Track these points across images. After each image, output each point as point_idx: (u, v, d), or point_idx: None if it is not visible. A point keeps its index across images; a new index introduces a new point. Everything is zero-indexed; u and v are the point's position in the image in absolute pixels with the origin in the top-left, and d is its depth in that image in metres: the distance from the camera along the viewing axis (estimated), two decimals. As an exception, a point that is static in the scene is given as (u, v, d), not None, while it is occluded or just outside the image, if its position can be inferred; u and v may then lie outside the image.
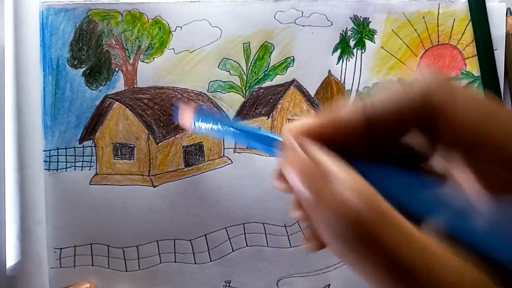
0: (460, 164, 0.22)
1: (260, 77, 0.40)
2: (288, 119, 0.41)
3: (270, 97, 0.40)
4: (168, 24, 0.39)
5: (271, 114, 0.40)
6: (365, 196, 0.20)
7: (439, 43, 0.41)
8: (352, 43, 0.41)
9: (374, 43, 0.41)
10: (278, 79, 0.40)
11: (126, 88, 0.39)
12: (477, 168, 0.22)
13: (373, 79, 0.41)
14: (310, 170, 0.22)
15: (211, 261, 0.40)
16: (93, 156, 0.39)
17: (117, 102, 0.39)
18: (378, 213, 0.20)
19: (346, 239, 0.20)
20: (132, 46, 0.39)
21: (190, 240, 0.40)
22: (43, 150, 0.38)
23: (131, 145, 0.39)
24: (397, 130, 0.24)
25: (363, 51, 0.41)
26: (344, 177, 0.21)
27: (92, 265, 0.39)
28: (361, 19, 0.41)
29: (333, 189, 0.21)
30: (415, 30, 0.41)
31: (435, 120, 0.23)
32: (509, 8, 0.41)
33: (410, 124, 0.23)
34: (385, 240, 0.20)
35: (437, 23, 0.41)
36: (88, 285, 0.38)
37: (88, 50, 0.39)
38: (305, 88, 0.41)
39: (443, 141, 0.23)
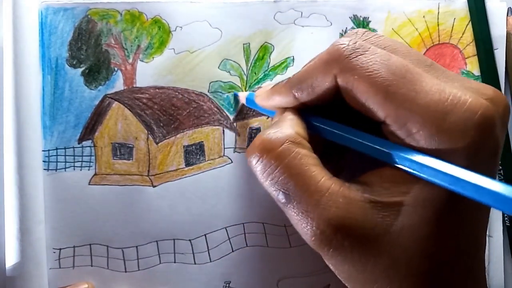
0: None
1: (260, 77, 0.40)
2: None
3: (270, 96, 0.40)
4: (168, 24, 0.39)
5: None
6: (280, 131, 0.27)
7: (440, 42, 0.41)
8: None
9: (375, 42, 0.41)
10: (278, 79, 0.40)
11: (125, 87, 0.39)
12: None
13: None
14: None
15: (211, 261, 0.40)
16: (92, 156, 0.39)
17: (116, 102, 0.39)
18: (281, 140, 0.26)
19: (257, 154, 0.27)
20: (132, 46, 0.39)
21: (190, 240, 0.39)
22: (42, 150, 0.38)
23: (130, 145, 0.39)
24: (326, 99, 0.28)
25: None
26: (281, 128, 0.27)
27: (92, 266, 0.39)
28: (361, 18, 0.41)
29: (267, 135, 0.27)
30: (416, 29, 0.41)
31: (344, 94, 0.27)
32: (510, 7, 0.41)
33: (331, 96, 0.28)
34: (280, 160, 0.26)
35: (438, 22, 0.41)
36: (86, 285, 0.38)
37: (87, 50, 0.38)
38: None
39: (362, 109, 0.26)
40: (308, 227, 0.25)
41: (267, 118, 0.40)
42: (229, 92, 0.40)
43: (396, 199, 0.25)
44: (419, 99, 0.24)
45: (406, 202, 0.24)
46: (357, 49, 0.26)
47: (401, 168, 0.25)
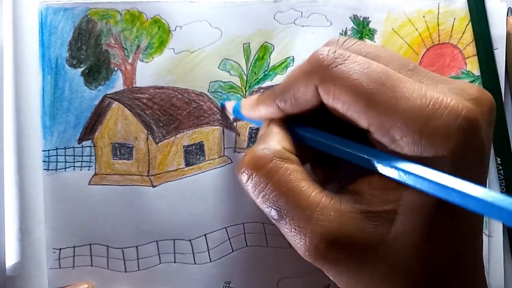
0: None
1: (260, 77, 0.40)
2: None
3: (270, 96, 0.40)
4: (168, 24, 0.39)
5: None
6: (268, 148, 0.27)
7: (440, 42, 0.41)
8: (352, 42, 0.41)
9: (375, 42, 0.41)
10: (278, 79, 0.40)
11: (125, 87, 0.39)
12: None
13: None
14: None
15: (211, 261, 0.40)
16: (92, 156, 0.39)
17: (116, 102, 0.39)
18: (270, 157, 0.26)
19: (247, 171, 0.27)
20: (131, 46, 0.39)
21: (190, 240, 0.39)
22: (42, 150, 0.38)
23: (130, 145, 0.39)
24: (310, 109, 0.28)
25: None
26: (269, 144, 0.27)
27: (92, 266, 0.39)
28: (361, 18, 0.41)
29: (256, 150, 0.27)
30: (416, 29, 0.41)
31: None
32: (510, 7, 0.41)
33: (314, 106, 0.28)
34: (269, 177, 0.26)
35: (438, 22, 0.41)
36: (86, 285, 0.38)
37: (87, 50, 0.38)
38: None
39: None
40: (302, 242, 0.25)
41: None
42: (229, 92, 0.40)
43: (387, 207, 0.25)
44: (400, 105, 0.24)
45: (398, 210, 0.24)
46: (337, 58, 0.26)
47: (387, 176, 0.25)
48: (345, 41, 0.28)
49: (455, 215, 0.25)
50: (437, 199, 0.24)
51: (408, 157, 0.24)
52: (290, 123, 0.30)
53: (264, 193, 0.26)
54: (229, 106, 0.38)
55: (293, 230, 0.25)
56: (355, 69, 0.25)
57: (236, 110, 0.36)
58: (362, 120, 0.25)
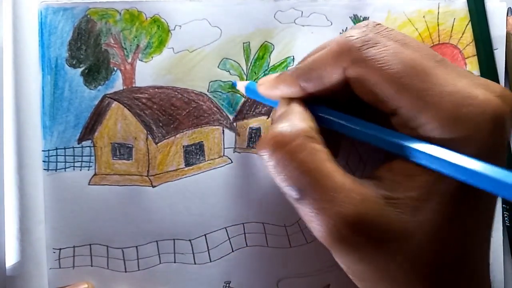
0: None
1: (260, 76, 0.40)
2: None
3: (270, 96, 0.40)
4: (167, 23, 0.39)
5: (271, 114, 0.40)
6: (292, 125, 0.27)
7: (440, 42, 0.41)
8: (352, 42, 0.41)
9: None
10: (278, 79, 0.40)
11: (124, 87, 0.39)
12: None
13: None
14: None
15: (211, 261, 0.40)
16: (92, 156, 0.39)
17: (115, 102, 0.39)
18: (295, 135, 0.26)
19: (269, 148, 0.26)
20: (131, 45, 0.39)
21: (190, 240, 0.39)
22: (42, 150, 0.38)
23: (129, 145, 0.39)
24: (335, 92, 0.28)
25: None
26: (293, 122, 0.27)
27: (91, 266, 0.39)
28: (361, 18, 0.41)
29: (277, 122, 0.28)
30: (416, 29, 0.41)
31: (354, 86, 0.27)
32: (510, 7, 0.41)
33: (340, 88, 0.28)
34: (294, 155, 0.25)
35: (438, 22, 0.41)
36: (86, 285, 0.38)
37: (87, 50, 0.38)
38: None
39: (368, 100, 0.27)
40: (323, 224, 0.24)
41: (267, 119, 0.40)
42: (229, 92, 0.40)
43: (411, 194, 0.25)
44: (433, 90, 0.24)
45: (421, 196, 0.24)
46: (368, 41, 0.26)
47: (412, 161, 0.25)
48: (376, 25, 0.28)
49: (473, 208, 0.25)
50: (457, 187, 0.24)
51: (435, 141, 0.24)
52: (310, 104, 0.29)
53: (287, 170, 0.25)
54: (241, 85, 0.38)
55: (314, 210, 0.25)
56: (386, 53, 0.25)
57: (250, 89, 0.36)
58: (392, 102, 0.25)
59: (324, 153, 0.26)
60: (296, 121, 0.27)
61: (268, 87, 0.32)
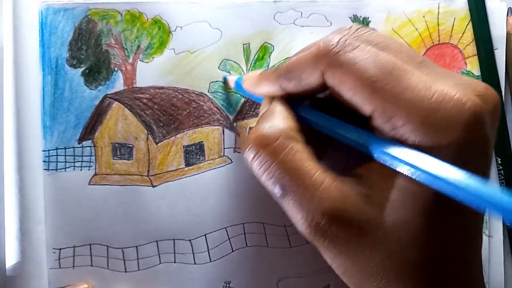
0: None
1: (259, 76, 0.40)
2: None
3: (270, 96, 0.40)
4: (168, 24, 0.39)
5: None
6: (274, 126, 0.27)
7: (440, 42, 0.41)
8: (352, 42, 0.41)
9: (375, 42, 0.41)
10: (278, 79, 0.40)
11: (125, 87, 0.39)
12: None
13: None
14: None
15: (211, 261, 0.40)
16: (92, 156, 0.39)
17: (116, 102, 0.39)
18: (276, 135, 0.27)
19: (253, 148, 0.27)
20: (132, 46, 0.39)
21: (190, 240, 0.39)
22: (42, 150, 0.38)
23: (130, 145, 0.39)
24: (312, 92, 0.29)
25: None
26: (273, 122, 0.28)
27: (92, 266, 0.39)
28: (361, 18, 0.41)
29: (260, 122, 0.29)
30: (416, 29, 0.41)
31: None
32: (510, 7, 0.41)
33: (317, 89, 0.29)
34: (275, 155, 0.26)
35: (438, 22, 0.41)
36: (86, 285, 0.38)
37: (87, 50, 0.38)
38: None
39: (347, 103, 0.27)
40: (303, 219, 0.25)
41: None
42: (229, 92, 0.40)
43: (387, 193, 0.25)
44: (405, 94, 0.24)
45: (395, 197, 0.25)
46: (346, 46, 0.26)
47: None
48: (358, 29, 0.28)
49: (455, 210, 0.25)
50: (435, 192, 0.24)
51: (408, 144, 0.24)
52: (291, 102, 0.30)
53: (269, 170, 0.26)
54: (231, 80, 0.38)
55: (295, 207, 0.26)
56: (363, 58, 0.26)
57: (238, 84, 0.36)
58: (366, 106, 0.26)
59: (304, 152, 0.27)
60: (277, 121, 0.28)
61: (251, 84, 0.33)
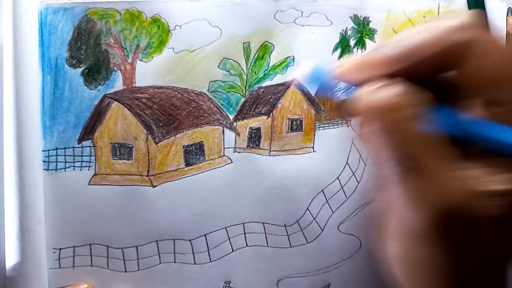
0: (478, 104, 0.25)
1: (260, 76, 0.40)
2: (289, 118, 0.41)
3: (270, 96, 0.40)
4: (167, 23, 0.39)
5: (271, 114, 0.40)
6: (407, 91, 0.24)
7: (440, 43, 0.41)
8: (352, 42, 0.41)
9: (375, 42, 0.41)
10: (278, 79, 0.40)
11: (124, 87, 0.39)
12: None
13: (373, 79, 0.41)
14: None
15: (210, 261, 0.40)
16: (92, 156, 0.39)
17: (115, 102, 0.39)
18: (412, 102, 0.24)
19: (381, 113, 0.24)
20: (131, 45, 0.39)
21: (189, 240, 0.39)
22: (42, 150, 0.38)
23: (129, 145, 0.39)
24: (431, 68, 0.27)
25: (363, 50, 0.41)
26: (406, 95, 0.24)
27: (91, 266, 0.39)
28: (361, 18, 0.41)
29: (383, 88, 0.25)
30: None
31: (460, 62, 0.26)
32: (510, 7, 0.41)
33: (441, 64, 0.26)
34: (408, 123, 0.23)
35: (438, 22, 0.41)
36: (86, 286, 0.38)
37: (87, 50, 0.38)
38: (305, 88, 0.40)
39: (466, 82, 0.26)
40: (424, 204, 0.23)
41: (267, 119, 0.40)
42: (229, 92, 0.40)
43: (507, 187, 0.24)
44: None
45: None
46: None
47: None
48: None
49: None
50: None
51: None
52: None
53: (398, 138, 0.24)
54: (302, 71, 0.31)
55: (420, 189, 0.23)
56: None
57: (316, 77, 0.30)
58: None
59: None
60: (406, 88, 0.25)
61: (356, 69, 0.28)
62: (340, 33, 0.41)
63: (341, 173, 0.41)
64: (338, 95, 0.29)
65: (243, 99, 0.40)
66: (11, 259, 0.37)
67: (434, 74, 0.27)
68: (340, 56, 0.41)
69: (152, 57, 0.39)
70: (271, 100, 0.40)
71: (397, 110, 0.24)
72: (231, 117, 0.40)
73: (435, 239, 0.24)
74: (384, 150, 0.24)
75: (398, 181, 0.24)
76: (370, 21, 0.41)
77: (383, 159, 0.24)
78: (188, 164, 0.40)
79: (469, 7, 0.41)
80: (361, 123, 0.25)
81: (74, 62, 0.38)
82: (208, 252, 0.40)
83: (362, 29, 0.41)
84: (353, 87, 0.28)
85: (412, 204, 0.24)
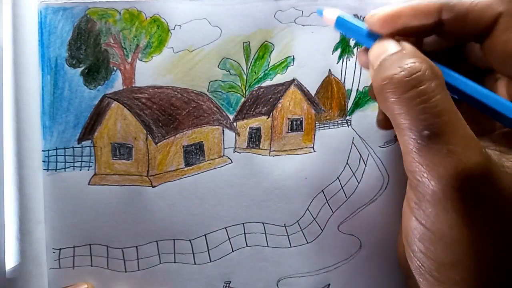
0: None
1: (260, 76, 0.40)
2: (289, 118, 0.41)
3: (270, 96, 0.40)
4: (167, 23, 0.39)
5: (271, 114, 0.40)
6: (428, 62, 0.25)
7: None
8: (352, 42, 0.41)
9: (375, 42, 0.41)
10: (278, 78, 0.40)
11: (124, 87, 0.39)
12: None
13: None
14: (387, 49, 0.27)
15: (210, 261, 0.40)
16: (92, 156, 0.39)
17: (115, 102, 0.39)
18: (435, 74, 0.25)
19: (403, 83, 0.24)
20: (131, 45, 0.39)
21: (189, 240, 0.39)
22: (42, 150, 0.38)
23: (129, 145, 0.39)
24: (463, 34, 0.28)
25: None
26: (415, 51, 0.26)
27: (91, 266, 0.39)
28: (361, 18, 0.41)
29: (403, 55, 0.26)
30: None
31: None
32: (510, 7, 0.41)
33: (473, 32, 0.27)
34: (433, 94, 0.24)
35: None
36: (86, 286, 0.38)
37: (87, 49, 0.38)
38: (305, 87, 0.40)
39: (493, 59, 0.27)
40: (449, 167, 0.24)
41: (267, 118, 0.40)
42: (229, 92, 0.40)
43: None
44: None
45: None
46: None
47: None
48: None
49: None
50: None
51: None
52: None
53: (421, 109, 0.24)
54: (331, 14, 0.33)
55: (444, 153, 0.24)
56: None
57: (341, 23, 0.33)
58: None
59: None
60: (426, 58, 0.26)
61: (392, 18, 0.29)
62: (341, 33, 0.40)
63: (341, 173, 0.41)
64: (363, 41, 0.31)
65: (243, 99, 0.40)
66: (11, 259, 0.37)
67: (456, 42, 0.28)
68: (340, 56, 0.41)
69: (151, 57, 0.39)
70: (271, 100, 0.40)
71: (419, 83, 0.24)
72: (231, 117, 0.40)
73: (454, 205, 0.24)
74: (405, 118, 0.25)
75: (418, 147, 0.25)
76: (370, 21, 0.41)
77: (404, 126, 0.25)
78: (188, 164, 0.40)
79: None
80: (384, 86, 0.26)
81: (73, 62, 0.38)
82: (208, 252, 0.40)
83: (362, 29, 0.41)
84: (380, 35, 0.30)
85: (432, 169, 0.24)
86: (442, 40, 0.30)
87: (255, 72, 0.40)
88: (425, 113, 0.24)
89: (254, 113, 0.40)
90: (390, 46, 0.28)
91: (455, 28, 0.28)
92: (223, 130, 0.40)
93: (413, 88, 0.24)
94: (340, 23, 0.33)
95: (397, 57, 0.26)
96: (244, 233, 0.40)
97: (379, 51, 0.28)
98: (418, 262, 0.27)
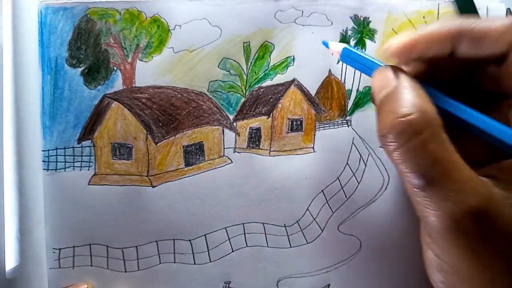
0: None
1: (260, 76, 0.40)
2: (289, 118, 0.41)
3: (270, 96, 0.40)
4: (167, 23, 0.39)
5: (272, 114, 0.40)
6: (422, 110, 0.25)
7: (440, 43, 0.41)
8: (352, 42, 0.41)
9: (375, 42, 0.41)
10: (279, 79, 0.40)
11: (124, 87, 0.39)
12: None
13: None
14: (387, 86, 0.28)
15: (210, 261, 0.40)
16: (92, 156, 0.39)
17: (115, 102, 0.39)
18: (427, 124, 0.25)
19: (399, 136, 0.25)
20: (131, 45, 0.39)
21: (189, 240, 0.39)
22: (42, 150, 0.38)
23: (129, 145, 0.39)
24: (479, 58, 0.28)
25: (363, 50, 0.41)
26: (410, 94, 0.26)
27: (91, 266, 0.39)
28: (361, 18, 0.41)
29: (399, 101, 0.26)
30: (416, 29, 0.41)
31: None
32: (509, 8, 0.41)
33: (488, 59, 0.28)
34: (426, 145, 0.25)
35: (438, 23, 0.41)
36: (86, 286, 0.38)
37: (87, 49, 0.38)
38: (305, 88, 0.40)
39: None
40: (446, 212, 0.24)
41: (267, 119, 0.40)
42: (229, 92, 0.40)
43: None
44: None
45: None
46: None
47: None
48: None
49: None
50: None
51: None
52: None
53: (416, 159, 0.25)
54: (336, 46, 0.34)
55: (439, 198, 0.24)
56: None
57: (346, 55, 0.33)
58: None
59: (449, 143, 0.25)
60: (418, 102, 0.26)
61: (407, 46, 0.30)
62: (340, 33, 0.41)
63: (341, 173, 0.41)
64: (369, 72, 0.31)
65: (243, 99, 0.40)
66: (11, 259, 0.37)
67: (469, 67, 0.28)
68: (340, 56, 0.41)
69: (152, 57, 0.39)
70: (271, 100, 0.40)
71: (413, 136, 0.25)
72: (231, 117, 0.40)
73: (460, 243, 0.25)
74: (403, 166, 0.26)
75: (417, 193, 0.25)
76: (370, 21, 0.41)
77: (403, 172, 0.26)
78: (188, 164, 0.40)
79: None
80: (384, 137, 0.27)
81: (74, 62, 0.38)
82: (208, 252, 0.40)
83: (362, 29, 0.41)
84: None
85: (433, 210, 0.25)
86: (455, 65, 0.30)
87: (255, 72, 0.40)
88: (419, 164, 0.25)
89: (254, 113, 0.40)
90: (377, 82, 0.29)
91: (471, 52, 0.28)
92: (223, 130, 0.40)
93: (407, 142, 0.25)
94: (346, 54, 0.33)
95: (392, 103, 0.27)
96: (244, 233, 0.40)
97: (378, 87, 0.29)
98: None
